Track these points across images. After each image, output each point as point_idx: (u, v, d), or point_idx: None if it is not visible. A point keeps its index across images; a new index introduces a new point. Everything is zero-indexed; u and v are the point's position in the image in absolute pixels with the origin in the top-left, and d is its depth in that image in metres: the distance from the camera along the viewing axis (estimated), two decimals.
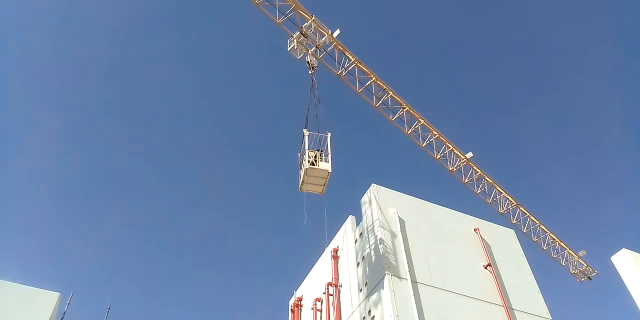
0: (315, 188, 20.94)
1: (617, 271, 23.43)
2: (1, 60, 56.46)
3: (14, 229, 61.49)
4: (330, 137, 21.27)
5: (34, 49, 59.96)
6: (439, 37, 74.73)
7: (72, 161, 67.58)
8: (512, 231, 27.10)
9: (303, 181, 20.76)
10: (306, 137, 21.27)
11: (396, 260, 19.70)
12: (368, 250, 21.15)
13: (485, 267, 21.88)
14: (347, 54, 27.79)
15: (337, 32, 26.50)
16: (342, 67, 27.91)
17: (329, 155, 20.81)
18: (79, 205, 67.53)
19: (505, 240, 24.88)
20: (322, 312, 22.50)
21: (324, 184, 20.86)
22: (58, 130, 66.14)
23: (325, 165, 20.55)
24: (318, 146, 21.21)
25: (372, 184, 23.22)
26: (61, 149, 66.46)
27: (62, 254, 64.47)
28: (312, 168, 20.33)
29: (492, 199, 33.92)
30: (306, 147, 20.91)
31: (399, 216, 21.75)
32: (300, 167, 21.15)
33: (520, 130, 75.87)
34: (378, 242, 20.47)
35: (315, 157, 20.57)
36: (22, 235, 61.43)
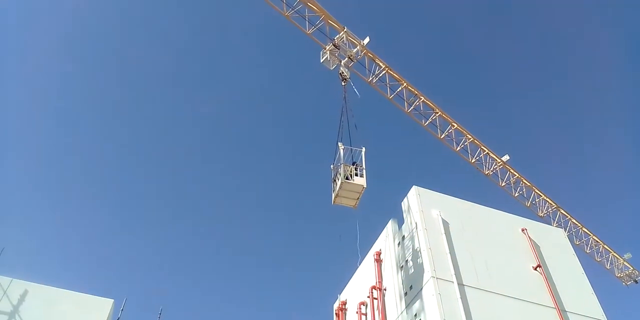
0: (348, 201, 21.12)
1: None
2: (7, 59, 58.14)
3: (70, 239, 64.28)
4: (365, 152, 21.43)
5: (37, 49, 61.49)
6: (468, 39, 73.68)
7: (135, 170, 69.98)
8: (562, 231, 26.29)
9: (337, 194, 20.97)
10: (341, 151, 21.50)
11: (441, 263, 19.39)
12: (412, 253, 20.93)
13: (535, 269, 21.24)
14: (377, 61, 27.87)
15: (367, 39, 26.69)
16: (373, 74, 28.00)
17: (364, 170, 20.95)
18: (129, 212, 69.87)
19: (555, 241, 24.08)
20: (367, 316, 22.38)
21: (357, 198, 21.03)
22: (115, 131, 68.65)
23: (361, 180, 20.68)
24: (351, 159, 21.50)
25: (414, 186, 22.99)
26: (130, 159, 69.00)
27: (115, 261, 66.82)
28: (348, 182, 20.50)
29: (531, 202, 33.17)
30: (341, 161, 21.11)
31: (442, 218, 21.43)
32: (334, 180, 21.40)
33: (556, 131, 73.91)
34: (421, 244, 20.22)
35: (350, 171, 20.73)
36: (77, 244, 64.14)
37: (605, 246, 36.33)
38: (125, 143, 70.14)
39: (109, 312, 19.10)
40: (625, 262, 37.71)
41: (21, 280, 18.50)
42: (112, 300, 19.38)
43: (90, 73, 65.63)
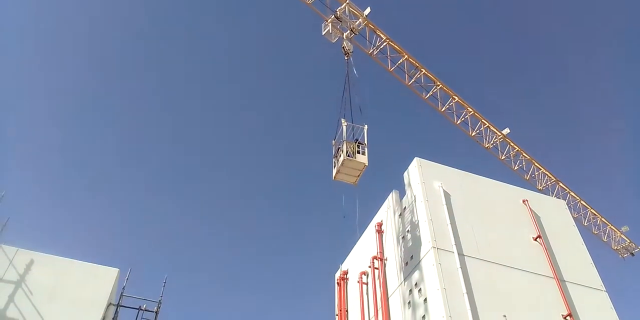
0: (349, 178, 21.20)
1: None
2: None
3: (75, 209, 64.98)
4: (367, 129, 21.41)
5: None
6: (470, 11, 72.19)
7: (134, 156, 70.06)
8: (563, 202, 26.33)
9: (338, 171, 21.03)
10: (344, 127, 21.42)
11: (442, 234, 19.54)
12: (412, 223, 21.08)
13: (535, 239, 21.41)
14: (378, 32, 27.40)
15: (368, 10, 26.22)
16: (374, 46, 27.58)
17: (366, 148, 20.95)
18: (134, 184, 70.34)
19: (555, 212, 24.18)
20: (368, 286, 22.74)
21: (358, 176, 21.16)
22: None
23: (362, 158, 20.73)
24: (352, 136, 21.46)
25: (415, 158, 22.95)
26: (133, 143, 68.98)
27: (120, 231, 67.73)
28: (350, 160, 20.53)
29: (530, 175, 33.25)
30: (344, 138, 21.09)
31: (443, 189, 21.47)
32: (336, 156, 21.41)
33: (557, 104, 73.38)
34: (422, 215, 20.34)
35: (352, 148, 20.68)
36: (82, 214, 64.85)
37: (602, 219, 36.61)
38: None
39: (114, 281, 19.38)
40: (622, 235, 38.09)
41: (27, 250, 18.70)
42: (118, 269, 19.63)
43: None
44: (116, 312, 18.85)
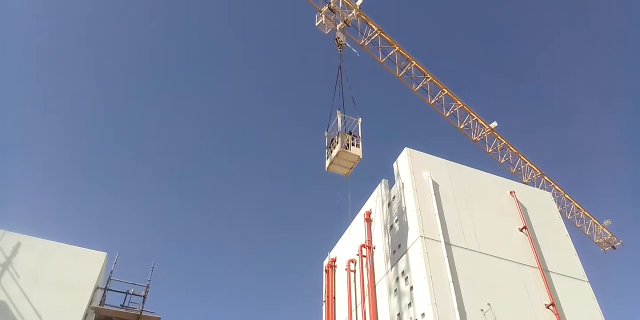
0: (341, 169, 21.36)
1: None
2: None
3: (62, 194, 64.44)
4: (361, 122, 21.58)
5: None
6: (461, 5, 72.17)
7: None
8: (549, 194, 26.72)
9: (332, 162, 21.13)
10: (339, 119, 21.50)
11: (429, 223, 19.75)
12: (401, 213, 21.25)
13: (521, 230, 21.72)
14: (370, 23, 27.49)
15: (360, 1, 26.23)
16: (365, 37, 27.67)
17: (360, 141, 21.16)
18: (122, 170, 69.87)
19: (541, 203, 24.52)
20: (356, 273, 22.97)
21: (351, 168, 21.35)
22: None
23: (357, 151, 20.95)
24: (344, 127, 21.64)
25: (405, 148, 23.06)
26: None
27: (108, 216, 67.42)
28: (345, 151, 20.70)
29: (516, 168, 33.69)
30: (339, 129, 21.12)
31: (432, 179, 21.64)
32: (329, 147, 21.50)
33: (545, 98, 74.01)
34: (411, 205, 20.50)
35: (347, 140, 20.84)
36: (69, 199, 64.35)
37: (586, 213, 37.18)
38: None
39: (102, 265, 19.27)
40: (604, 229, 38.67)
41: (14, 233, 18.51)
42: (105, 253, 19.48)
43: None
44: (104, 295, 18.74)
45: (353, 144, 21.05)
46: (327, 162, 21.50)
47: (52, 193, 62.52)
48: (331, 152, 21.43)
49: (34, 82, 60.52)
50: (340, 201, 22.55)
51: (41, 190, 60.48)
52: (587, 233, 38.15)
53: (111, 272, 19.03)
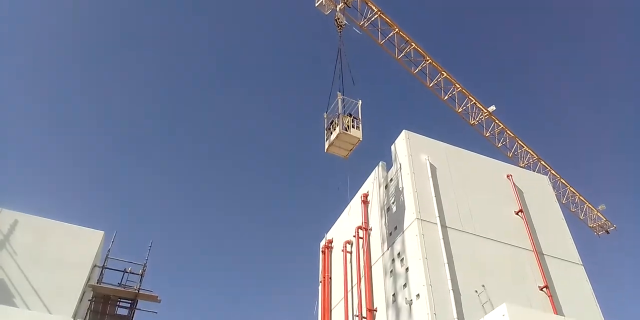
0: (341, 151, 21.32)
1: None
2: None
3: (60, 172, 64.38)
4: (361, 105, 21.43)
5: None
6: None
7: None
8: (546, 178, 26.78)
9: (332, 144, 21.06)
10: (340, 101, 21.42)
11: (426, 205, 19.80)
12: (398, 195, 21.30)
13: (517, 213, 21.82)
14: (370, 4, 27.08)
15: None
16: (365, 18, 27.31)
17: (360, 123, 21.07)
18: (123, 148, 69.70)
19: (538, 187, 24.58)
20: (352, 254, 23.14)
21: (351, 150, 21.33)
22: None
23: (357, 133, 20.88)
24: (344, 110, 21.43)
25: (404, 130, 22.99)
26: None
27: (107, 194, 67.54)
28: (345, 133, 20.62)
29: (513, 152, 33.78)
30: (339, 111, 21.01)
31: (430, 162, 21.64)
32: (328, 129, 21.43)
33: (543, 84, 73.70)
34: (408, 187, 20.53)
35: (348, 122, 20.74)
36: (68, 176, 64.34)
37: (580, 197, 37.42)
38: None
39: (99, 243, 19.35)
40: (598, 213, 39.00)
41: (11, 211, 18.51)
42: (103, 232, 19.54)
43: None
44: (101, 273, 18.90)
45: (353, 126, 21.01)
46: (327, 144, 21.46)
47: (49, 171, 62.50)
48: (331, 133, 21.38)
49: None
50: (341, 182, 22.62)
51: (38, 168, 60.45)
52: (582, 217, 38.49)
53: (109, 250, 19.14)
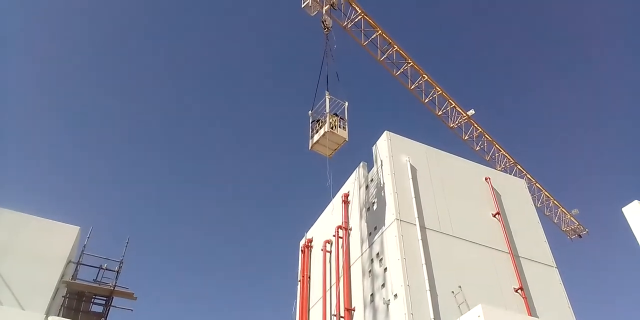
0: (325, 150, 21.41)
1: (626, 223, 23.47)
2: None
3: (36, 165, 63.03)
4: (347, 106, 21.61)
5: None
6: None
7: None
8: (523, 181, 27.22)
9: (318, 142, 21.13)
10: (327, 100, 21.49)
11: (406, 206, 19.97)
12: (379, 196, 21.42)
13: (494, 216, 22.14)
14: (354, 5, 27.23)
15: None
16: (348, 18, 27.46)
17: (346, 124, 21.24)
18: (98, 141, 68.55)
19: (515, 190, 25.00)
20: (332, 254, 23.18)
21: (335, 149, 21.45)
22: None
23: (344, 133, 21.06)
24: (330, 110, 21.51)
25: (385, 131, 23.13)
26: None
27: (82, 189, 66.39)
28: (332, 133, 20.75)
29: (490, 156, 34.39)
30: (327, 110, 21.22)
31: (410, 164, 21.81)
32: (314, 127, 21.48)
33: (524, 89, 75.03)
34: (388, 188, 20.66)
35: (334, 122, 20.89)
36: (43, 171, 63.03)
37: (555, 201, 38.28)
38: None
39: (74, 239, 18.92)
40: (572, 218, 39.93)
41: None
42: (78, 227, 19.08)
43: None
44: (76, 270, 18.52)
45: (340, 126, 21.17)
46: (311, 142, 21.52)
47: (24, 165, 61.15)
48: (316, 132, 21.47)
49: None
50: (331, 180, 22.64)
51: (13, 162, 59.10)
52: (556, 221, 39.34)
53: (84, 246, 18.76)
